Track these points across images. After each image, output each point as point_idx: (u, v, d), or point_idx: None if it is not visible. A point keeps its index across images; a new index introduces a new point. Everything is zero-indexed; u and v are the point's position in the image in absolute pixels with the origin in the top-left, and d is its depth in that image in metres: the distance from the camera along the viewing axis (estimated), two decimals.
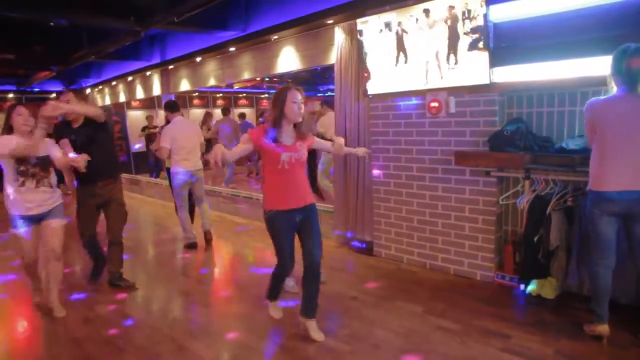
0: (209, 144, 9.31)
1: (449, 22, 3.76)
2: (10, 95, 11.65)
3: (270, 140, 2.87)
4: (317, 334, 3.03)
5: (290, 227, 2.99)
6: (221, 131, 9.00)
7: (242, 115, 11.76)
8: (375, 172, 4.67)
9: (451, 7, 3.70)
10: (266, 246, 5.20)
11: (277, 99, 2.90)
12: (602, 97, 2.86)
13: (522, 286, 3.64)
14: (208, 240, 5.56)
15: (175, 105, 5.46)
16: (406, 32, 4.07)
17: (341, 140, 3.34)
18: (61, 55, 7.81)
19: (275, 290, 3.31)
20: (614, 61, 2.73)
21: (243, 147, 2.92)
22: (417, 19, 3.96)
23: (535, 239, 3.41)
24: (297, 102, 2.87)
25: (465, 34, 3.67)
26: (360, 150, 3.67)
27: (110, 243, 4.09)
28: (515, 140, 3.47)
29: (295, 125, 2.96)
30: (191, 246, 5.38)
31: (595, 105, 2.81)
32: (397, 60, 4.21)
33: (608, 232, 2.80)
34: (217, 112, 15.10)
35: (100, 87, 11.25)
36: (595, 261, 2.88)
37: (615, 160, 2.69)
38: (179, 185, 5.30)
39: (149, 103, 11.79)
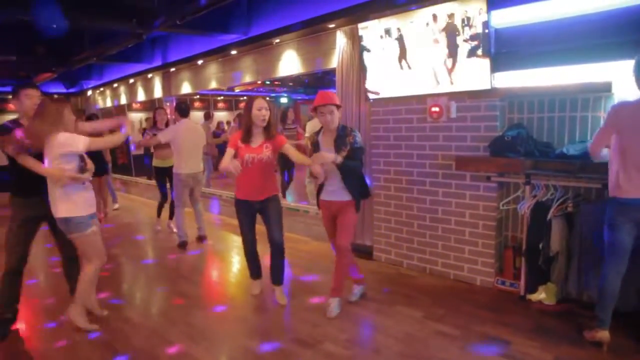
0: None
1: (448, 28, 3.76)
2: (11, 97, 11.67)
3: (241, 142, 3.44)
4: (282, 298, 3.73)
5: (250, 215, 3.65)
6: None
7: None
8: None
9: (450, 15, 3.71)
10: (265, 250, 5.20)
11: (246, 107, 3.47)
12: (628, 101, 2.73)
13: (522, 292, 3.64)
14: (201, 239, 5.73)
15: (187, 110, 5.54)
16: (407, 38, 4.08)
17: (324, 157, 3.20)
18: (63, 57, 7.83)
19: (249, 265, 3.92)
20: (637, 65, 2.65)
21: (230, 150, 3.44)
22: (418, 25, 3.97)
23: (540, 245, 3.41)
24: (261, 109, 3.37)
25: (464, 40, 3.68)
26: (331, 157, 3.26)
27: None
28: (516, 146, 3.47)
29: (265, 129, 3.45)
30: (182, 245, 5.50)
31: (621, 111, 2.69)
32: (399, 66, 4.21)
33: (626, 240, 2.74)
34: (217, 115, 15.14)
35: (102, 89, 11.28)
36: (608, 266, 2.82)
37: None
38: (178, 186, 5.41)
39: (150, 105, 11.81)
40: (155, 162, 6.21)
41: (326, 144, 3.36)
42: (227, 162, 3.29)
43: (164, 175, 6.15)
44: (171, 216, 6.15)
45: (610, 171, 2.79)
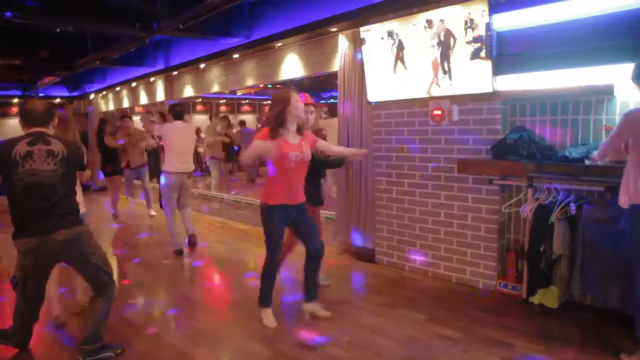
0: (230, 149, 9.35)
1: (449, 32, 3.77)
2: (15, 100, 11.72)
3: (277, 140, 3.06)
4: (326, 312, 3.37)
5: (284, 223, 3.24)
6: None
7: (242, 123, 11.77)
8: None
9: (452, 18, 3.71)
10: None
11: (279, 100, 3.12)
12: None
13: (524, 295, 3.63)
14: (193, 243, 5.63)
15: (181, 113, 5.46)
16: (408, 41, 4.09)
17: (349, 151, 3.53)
18: (66, 61, 7.88)
19: (267, 291, 3.35)
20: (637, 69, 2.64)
21: (260, 141, 3.07)
22: (418, 28, 3.97)
23: (542, 248, 3.40)
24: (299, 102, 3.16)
25: (467, 42, 3.68)
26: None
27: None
28: (518, 149, 3.47)
29: (298, 126, 3.21)
30: (178, 253, 5.35)
31: (636, 118, 2.62)
32: (400, 68, 4.22)
33: None
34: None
35: (104, 92, 11.31)
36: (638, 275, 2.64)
37: None
38: (167, 187, 5.29)
39: (152, 109, 11.83)
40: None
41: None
42: (265, 144, 2.97)
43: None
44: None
45: (626, 179, 2.67)
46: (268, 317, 3.35)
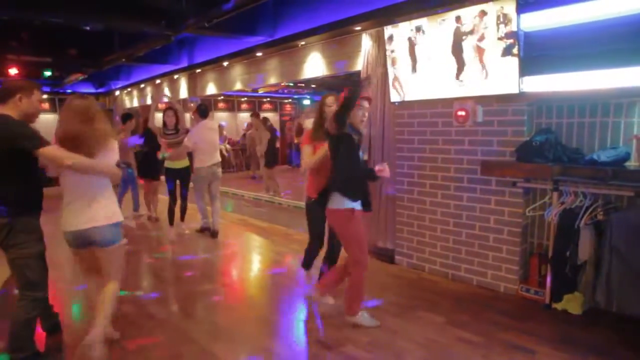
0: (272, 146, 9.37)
1: (475, 30, 3.72)
2: (44, 96, 12.05)
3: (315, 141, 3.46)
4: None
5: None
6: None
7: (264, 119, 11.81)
8: (390, 190, 4.72)
9: (483, 13, 3.65)
10: (287, 250, 5.23)
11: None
12: None
13: (547, 300, 3.56)
14: (214, 236, 5.93)
15: (206, 111, 5.95)
16: (434, 40, 4.05)
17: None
18: (93, 59, 8.06)
19: (309, 261, 3.84)
20: None
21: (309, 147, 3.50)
22: (446, 26, 3.93)
23: (567, 253, 3.33)
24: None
25: (499, 39, 3.60)
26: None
27: None
28: (544, 151, 3.40)
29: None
30: (203, 229, 6.05)
31: None
32: (424, 68, 4.18)
33: None
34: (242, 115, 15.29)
35: (129, 89, 11.54)
36: None
37: None
38: (198, 181, 5.83)
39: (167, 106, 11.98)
40: (167, 163, 6.06)
41: None
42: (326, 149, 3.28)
43: (173, 176, 6.02)
44: (182, 218, 6.10)
45: None
46: (307, 276, 3.98)
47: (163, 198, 7.05)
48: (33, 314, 2.70)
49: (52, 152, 2.59)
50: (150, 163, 6.74)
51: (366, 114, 3.24)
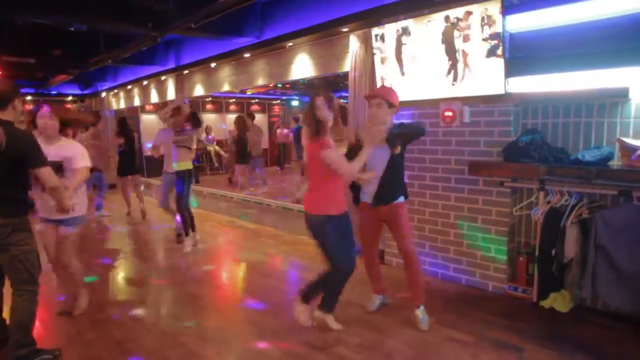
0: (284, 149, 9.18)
1: (465, 29, 3.75)
2: (29, 98, 11.85)
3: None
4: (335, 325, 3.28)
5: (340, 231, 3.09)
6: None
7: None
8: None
9: (463, 17, 3.69)
10: (276, 251, 5.22)
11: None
12: None
13: (534, 298, 3.60)
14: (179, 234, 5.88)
15: (199, 121, 5.95)
16: (420, 40, 4.07)
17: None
18: (79, 59, 7.95)
19: (316, 294, 3.27)
20: None
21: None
22: (432, 27, 3.96)
23: (553, 252, 3.37)
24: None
25: (483, 40, 3.64)
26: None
27: None
28: (530, 151, 3.44)
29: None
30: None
31: None
32: (411, 69, 4.21)
33: None
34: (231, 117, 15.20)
35: (116, 90, 11.40)
36: None
37: None
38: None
39: (163, 107, 11.89)
40: (174, 165, 6.07)
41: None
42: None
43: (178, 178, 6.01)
44: (193, 227, 5.75)
45: None
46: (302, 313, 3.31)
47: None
48: (35, 306, 2.87)
49: (51, 176, 2.88)
50: (126, 160, 7.52)
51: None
